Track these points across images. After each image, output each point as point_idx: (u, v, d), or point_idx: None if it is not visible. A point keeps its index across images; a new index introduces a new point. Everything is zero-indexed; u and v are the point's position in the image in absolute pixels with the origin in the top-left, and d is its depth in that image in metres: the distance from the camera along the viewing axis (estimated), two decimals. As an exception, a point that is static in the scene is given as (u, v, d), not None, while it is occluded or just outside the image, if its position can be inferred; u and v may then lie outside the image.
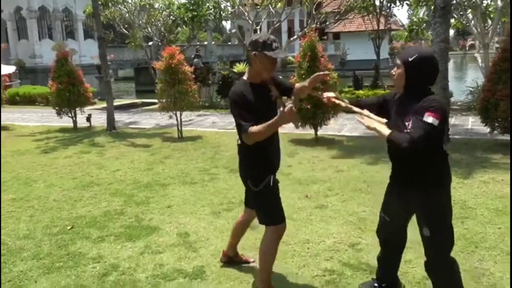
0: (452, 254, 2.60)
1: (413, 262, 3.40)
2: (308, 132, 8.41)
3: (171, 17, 14.82)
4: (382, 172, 5.85)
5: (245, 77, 2.84)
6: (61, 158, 7.58)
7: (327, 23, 16.35)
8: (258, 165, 2.87)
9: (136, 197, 5.30)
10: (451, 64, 23.21)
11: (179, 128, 9.15)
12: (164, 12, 14.85)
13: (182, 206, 4.93)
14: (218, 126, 10.48)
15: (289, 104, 2.48)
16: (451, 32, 30.90)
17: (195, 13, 14.43)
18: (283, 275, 3.30)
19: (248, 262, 3.49)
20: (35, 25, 23.63)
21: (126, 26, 15.23)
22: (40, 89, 17.13)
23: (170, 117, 9.26)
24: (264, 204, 2.91)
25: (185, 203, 5.02)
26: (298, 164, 6.56)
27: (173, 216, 4.63)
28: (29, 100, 16.51)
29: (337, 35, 34.60)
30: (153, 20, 14.90)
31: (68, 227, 4.38)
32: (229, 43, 44.98)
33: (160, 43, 15.36)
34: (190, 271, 3.45)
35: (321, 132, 8.66)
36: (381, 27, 14.63)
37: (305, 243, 3.85)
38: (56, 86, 10.48)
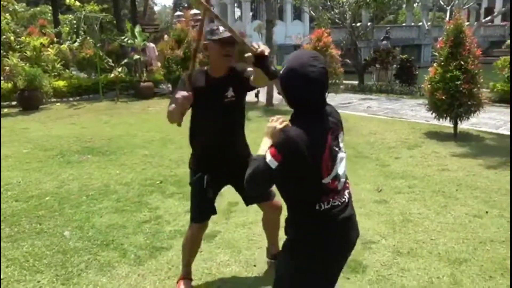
0: None
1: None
2: (451, 125, 7.62)
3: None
4: (492, 179, 5.13)
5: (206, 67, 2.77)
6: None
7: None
8: (193, 160, 2.92)
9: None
10: None
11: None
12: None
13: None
14: (370, 111, 10.26)
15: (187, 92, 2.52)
16: None
17: (378, -6, 14.09)
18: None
19: None
20: (248, 8, 26.37)
21: (311, 8, 15.83)
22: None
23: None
24: (190, 197, 2.93)
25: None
26: (408, 157, 6.14)
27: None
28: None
29: None
30: (336, 3, 15.11)
31: (158, 182, 5.28)
32: (450, 23, 41.14)
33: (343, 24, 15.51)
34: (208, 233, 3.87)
35: (469, 126, 7.76)
36: None
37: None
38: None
